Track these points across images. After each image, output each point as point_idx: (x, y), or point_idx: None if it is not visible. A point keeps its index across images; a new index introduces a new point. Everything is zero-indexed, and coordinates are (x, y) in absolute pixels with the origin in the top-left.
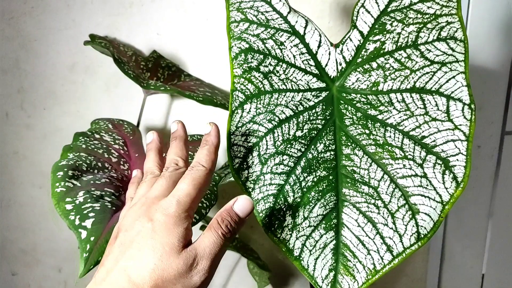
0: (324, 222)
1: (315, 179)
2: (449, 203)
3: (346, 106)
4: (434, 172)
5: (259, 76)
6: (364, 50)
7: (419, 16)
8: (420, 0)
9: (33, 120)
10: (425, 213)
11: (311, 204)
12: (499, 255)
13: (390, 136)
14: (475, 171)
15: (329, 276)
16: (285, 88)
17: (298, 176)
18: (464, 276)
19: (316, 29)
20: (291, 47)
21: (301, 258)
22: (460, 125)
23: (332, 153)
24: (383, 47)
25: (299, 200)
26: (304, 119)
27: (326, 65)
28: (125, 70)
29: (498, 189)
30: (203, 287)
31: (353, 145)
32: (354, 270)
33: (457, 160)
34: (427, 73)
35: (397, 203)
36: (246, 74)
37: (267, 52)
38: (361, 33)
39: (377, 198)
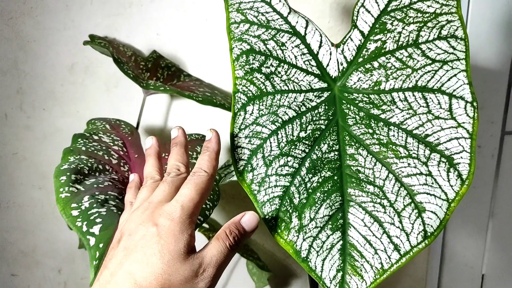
0: (330, 222)
1: (320, 180)
2: (455, 200)
3: (348, 106)
4: (439, 170)
5: (261, 78)
6: (365, 49)
7: (419, 15)
8: None
9: (32, 121)
10: (431, 211)
11: (317, 205)
12: (500, 255)
13: (393, 135)
14: (476, 171)
15: (337, 276)
16: (287, 89)
17: (303, 177)
18: (464, 276)
19: (316, 29)
20: (292, 47)
21: (308, 260)
22: (463, 122)
23: (336, 153)
24: (384, 46)
25: (304, 201)
26: (307, 120)
27: (328, 65)
28: (125, 70)
29: (499, 189)
30: None
31: (356, 144)
32: (361, 270)
33: (461, 157)
34: (429, 71)
35: (403, 202)
36: (248, 75)
37: (269, 53)
38: (361, 32)
39: (382, 197)
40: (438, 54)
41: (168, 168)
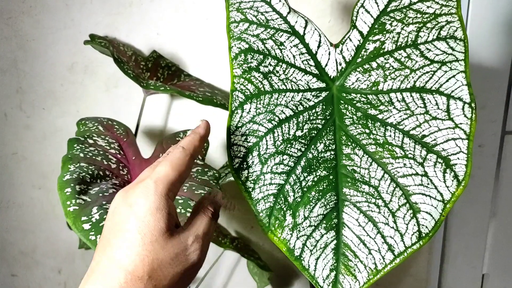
0: (324, 221)
1: (315, 179)
2: (450, 201)
3: (346, 105)
4: (435, 171)
5: (259, 76)
6: (364, 50)
7: (418, 15)
8: (419, 0)
9: (32, 120)
10: (426, 212)
11: (311, 203)
12: (500, 255)
13: (390, 136)
14: (477, 171)
15: (330, 276)
16: (285, 88)
17: (298, 175)
18: (465, 276)
19: (315, 29)
20: (291, 47)
21: (301, 258)
22: (461, 123)
23: (332, 152)
24: (383, 46)
25: (299, 199)
26: (304, 119)
27: (326, 65)
28: (125, 70)
29: (500, 189)
30: (200, 263)
31: (353, 144)
32: (355, 269)
33: (458, 158)
34: (427, 72)
35: (398, 202)
36: (246, 74)
37: (267, 52)
38: (360, 33)
39: (377, 197)
40: (437, 55)
41: None
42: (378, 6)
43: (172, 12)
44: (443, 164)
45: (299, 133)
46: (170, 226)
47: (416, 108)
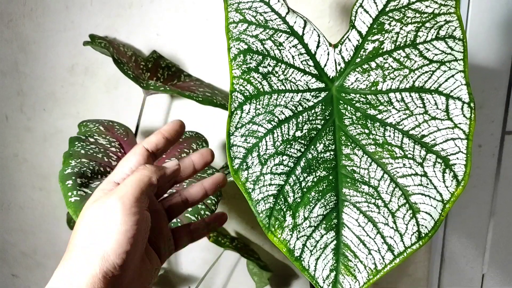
0: (324, 222)
1: (315, 179)
2: (450, 201)
3: (345, 106)
4: (434, 171)
5: (258, 77)
6: (363, 50)
7: (417, 15)
8: None
9: (33, 122)
10: (426, 212)
11: (311, 204)
12: (500, 255)
13: (389, 136)
14: (477, 170)
15: (330, 276)
16: (284, 88)
17: (298, 176)
18: (464, 276)
19: (314, 29)
20: (290, 47)
21: (302, 259)
22: (460, 123)
23: (332, 153)
24: (382, 46)
25: (299, 200)
26: (304, 120)
27: (325, 65)
28: (125, 71)
29: (499, 189)
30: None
31: (352, 144)
32: (355, 270)
33: (457, 158)
34: (426, 72)
35: (398, 203)
36: (245, 75)
37: (266, 53)
38: (359, 33)
39: (377, 197)
40: (436, 54)
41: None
42: (376, 6)
43: (172, 13)
44: (443, 164)
45: (298, 133)
46: None
47: (415, 108)
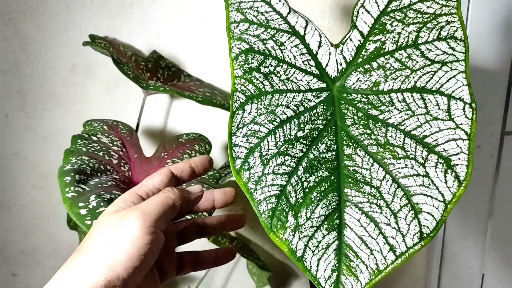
0: (326, 222)
1: (317, 180)
2: (452, 202)
3: (347, 106)
4: (436, 171)
5: (259, 77)
6: (364, 50)
7: (419, 15)
8: (419, 0)
9: (33, 121)
10: (428, 213)
11: (313, 204)
12: (499, 255)
13: (391, 136)
14: (475, 171)
15: (332, 276)
16: (285, 88)
17: (300, 176)
18: (464, 276)
19: (316, 29)
20: (292, 47)
21: (304, 259)
22: (462, 124)
23: (334, 153)
24: (384, 47)
25: (301, 200)
26: (305, 120)
27: (327, 65)
28: (124, 71)
29: (498, 189)
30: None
31: (354, 145)
32: (357, 270)
33: (459, 159)
34: (428, 72)
35: (400, 203)
36: (246, 75)
37: (268, 53)
38: (361, 33)
39: (379, 198)
40: (438, 55)
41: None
42: (378, 6)
43: (172, 13)
44: (444, 164)
45: (300, 133)
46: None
47: (417, 109)
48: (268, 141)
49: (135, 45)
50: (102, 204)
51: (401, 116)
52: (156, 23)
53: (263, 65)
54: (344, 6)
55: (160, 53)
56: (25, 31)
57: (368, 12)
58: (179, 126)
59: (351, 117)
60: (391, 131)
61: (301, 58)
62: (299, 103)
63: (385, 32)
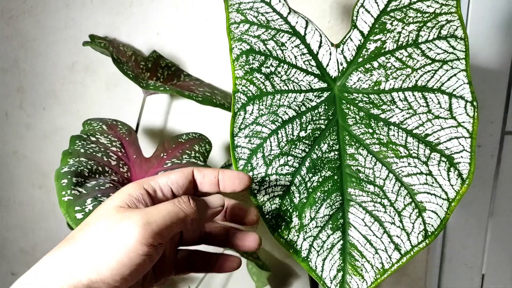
0: (330, 222)
1: (320, 179)
2: (455, 200)
3: (348, 105)
4: (439, 170)
5: (260, 77)
6: (365, 49)
7: (419, 15)
8: None
9: (32, 119)
10: (432, 211)
11: (317, 204)
12: (499, 255)
13: (393, 135)
14: (476, 170)
15: (338, 276)
16: (287, 89)
17: (303, 176)
18: (464, 276)
19: (316, 29)
20: (292, 47)
21: (309, 259)
22: (463, 122)
23: (336, 153)
24: (384, 46)
25: (305, 200)
26: (307, 120)
27: (327, 65)
28: (124, 70)
29: (499, 189)
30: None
31: (357, 144)
32: (362, 269)
33: (462, 157)
34: (429, 71)
35: (403, 202)
36: (247, 75)
37: (268, 53)
38: (361, 32)
39: (383, 197)
40: (438, 54)
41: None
42: (378, 5)
43: (172, 12)
44: (447, 162)
45: (302, 133)
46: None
47: (418, 107)
48: (270, 142)
49: (134, 44)
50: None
51: (403, 115)
52: (156, 22)
53: (264, 65)
54: (344, 5)
55: (160, 53)
56: (25, 29)
57: (368, 12)
58: (179, 126)
59: (353, 117)
60: (393, 130)
61: (302, 58)
62: (301, 103)
63: (386, 32)
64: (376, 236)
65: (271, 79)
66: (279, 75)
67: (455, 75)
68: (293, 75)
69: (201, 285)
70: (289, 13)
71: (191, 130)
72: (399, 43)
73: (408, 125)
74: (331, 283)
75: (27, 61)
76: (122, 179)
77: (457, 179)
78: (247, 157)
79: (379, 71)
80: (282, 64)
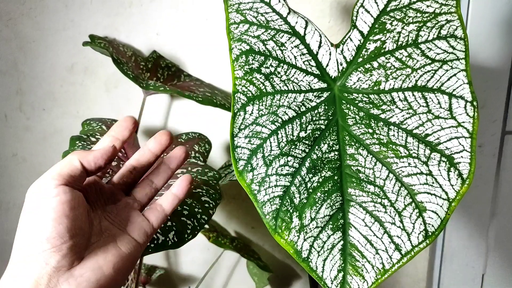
0: (331, 222)
1: (321, 180)
2: (456, 200)
3: (348, 105)
4: (439, 170)
5: (260, 78)
6: (364, 49)
7: (418, 15)
8: None
9: (32, 121)
10: (432, 211)
11: (317, 204)
12: (501, 255)
13: (393, 135)
14: (477, 170)
15: (338, 277)
16: (286, 89)
17: (304, 177)
18: (465, 276)
19: (316, 29)
20: (292, 48)
21: (309, 260)
22: (463, 122)
23: (336, 153)
24: (384, 46)
25: (305, 201)
26: (307, 120)
27: (327, 65)
28: (124, 71)
29: (500, 189)
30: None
31: (357, 144)
32: (363, 270)
33: (462, 157)
34: (428, 71)
35: (404, 202)
36: (247, 76)
37: (268, 54)
38: (361, 32)
39: (383, 197)
40: (438, 53)
41: None
42: (378, 5)
43: (172, 13)
44: (447, 162)
45: (302, 134)
46: None
47: (418, 107)
48: (270, 142)
49: (134, 45)
50: None
51: (403, 115)
52: (156, 22)
53: (264, 65)
54: (344, 5)
55: (160, 53)
56: (24, 31)
57: (368, 12)
58: (179, 126)
59: (353, 117)
60: (393, 130)
61: (301, 59)
62: (301, 104)
63: (385, 32)
64: (377, 237)
65: (271, 80)
66: (279, 75)
67: (455, 75)
68: (293, 75)
69: (201, 285)
70: (288, 13)
71: (191, 130)
72: (399, 43)
73: (408, 125)
74: (331, 283)
75: (26, 63)
76: None
77: (457, 179)
78: (247, 158)
79: (379, 71)
80: (281, 64)
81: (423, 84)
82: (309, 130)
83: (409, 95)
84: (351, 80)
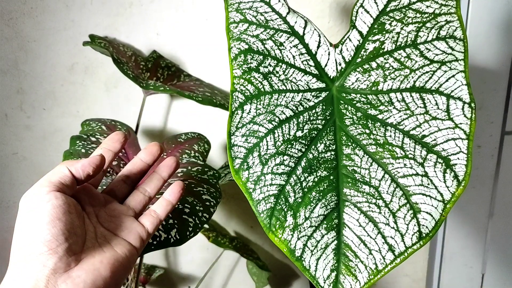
0: (325, 222)
1: (316, 179)
2: (451, 202)
3: (346, 106)
4: (435, 171)
5: (258, 77)
6: (363, 50)
7: (418, 15)
8: (419, 0)
9: (32, 121)
10: (427, 212)
11: (312, 204)
12: (499, 255)
13: (390, 136)
14: (475, 171)
15: (331, 276)
16: (284, 88)
17: (299, 176)
18: (464, 276)
19: (315, 29)
20: (291, 47)
21: (302, 259)
22: (461, 123)
23: (333, 153)
24: (383, 46)
25: (300, 200)
26: (304, 119)
27: (326, 65)
28: (124, 71)
29: (498, 189)
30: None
31: (353, 145)
32: (356, 270)
33: (458, 158)
34: (427, 72)
35: (398, 203)
36: (245, 75)
37: (267, 53)
38: (360, 33)
39: (378, 197)
40: (437, 54)
41: None
42: (377, 6)
43: (172, 13)
44: (443, 164)
45: (299, 133)
46: None
47: (416, 108)
48: (267, 141)
49: (134, 45)
50: None
51: (400, 116)
52: (156, 22)
53: (262, 65)
54: (344, 5)
55: (160, 53)
56: (24, 31)
57: (367, 12)
58: (179, 126)
59: (350, 117)
60: (390, 131)
61: (300, 58)
62: (298, 103)
63: (384, 32)
64: (370, 237)
65: (269, 79)
66: (277, 75)
67: (453, 76)
68: (291, 75)
69: (201, 285)
70: (288, 13)
71: (191, 130)
72: (398, 43)
73: (405, 126)
74: (324, 282)
75: (27, 62)
76: None
77: (453, 180)
78: (243, 156)
79: (378, 72)
80: (280, 64)
81: (421, 85)
82: (306, 129)
83: (407, 96)
84: (349, 80)
